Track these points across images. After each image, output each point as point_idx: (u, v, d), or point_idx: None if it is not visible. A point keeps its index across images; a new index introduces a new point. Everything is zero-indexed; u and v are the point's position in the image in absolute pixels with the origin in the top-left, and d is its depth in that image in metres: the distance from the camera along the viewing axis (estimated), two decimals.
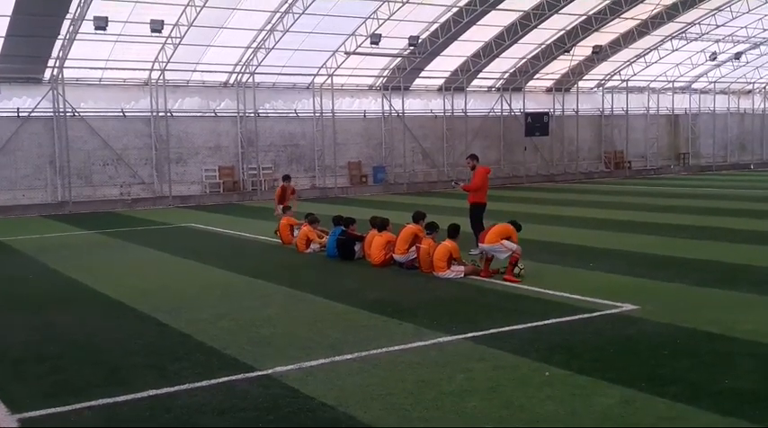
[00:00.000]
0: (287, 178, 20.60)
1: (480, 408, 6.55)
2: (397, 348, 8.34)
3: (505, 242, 12.29)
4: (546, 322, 9.35)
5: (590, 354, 7.97)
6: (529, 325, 9.24)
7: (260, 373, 7.58)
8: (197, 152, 31.79)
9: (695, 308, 10.02)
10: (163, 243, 18.55)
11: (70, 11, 24.92)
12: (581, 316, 9.68)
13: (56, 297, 11.98)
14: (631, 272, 12.62)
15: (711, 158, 47.84)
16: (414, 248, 13.62)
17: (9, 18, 24.68)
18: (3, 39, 25.76)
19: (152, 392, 7.08)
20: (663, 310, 9.87)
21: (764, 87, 50.12)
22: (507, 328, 9.07)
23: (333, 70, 33.33)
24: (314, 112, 34.26)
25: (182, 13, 26.80)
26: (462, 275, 12.51)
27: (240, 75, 32.14)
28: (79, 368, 8.02)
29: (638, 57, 40.45)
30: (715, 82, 47.05)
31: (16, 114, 28.17)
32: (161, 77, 30.16)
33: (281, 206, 18.97)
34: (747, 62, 44.11)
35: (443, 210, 23.35)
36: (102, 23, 24.59)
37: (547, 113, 39.83)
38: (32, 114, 28.27)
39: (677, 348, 8.17)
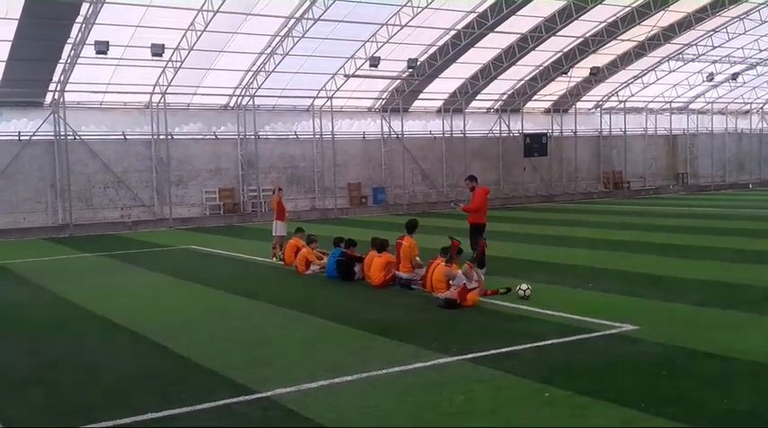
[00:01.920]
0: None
1: None
2: (397, 369, 8.33)
3: (453, 289, 12.21)
4: (545, 342, 9.34)
5: (589, 375, 7.96)
6: (528, 345, 9.24)
7: (259, 395, 7.57)
8: (197, 174, 31.88)
9: (694, 328, 10.02)
10: (163, 265, 18.55)
11: (71, 35, 25.13)
12: (580, 336, 9.68)
13: (56, 320, 11.97)
14: (630, 292, 12.62)
15: (710, 178, 47.96)
16: (417, 267, 13.70)
17: (11, 43, 24.88)
18: (4, 63, 25.94)
19: (152, 415, 7.07)
20: (662, 330, 9.87)
21: (762, 107, 50.36)
22: (507, 349, 9.07)
23: (332, 92, 33.52)
24: (314, 134, 34.40)
25: (182, 38, 27.01)
26: None
27: (240, 98, 32.32)
28: (79, 391, 8.01)
29: (636, 78, 40.68)
30: (712, 102, 47.29)
31: (17, 138, 28.29)
32: (162, 101, 30.32)
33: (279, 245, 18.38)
34: (744, 83, 44.37)
35: (443, 231, 23.34)
36: (103, 48, 24.77)
37: (545, 134, 39.98)
38: (33, 138, 28.39)
39: (676, 368, 8.17)
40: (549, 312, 11.16)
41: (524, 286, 12.29)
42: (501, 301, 12.07)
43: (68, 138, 28.79)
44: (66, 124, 28.59)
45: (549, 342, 9.37)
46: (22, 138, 28.32)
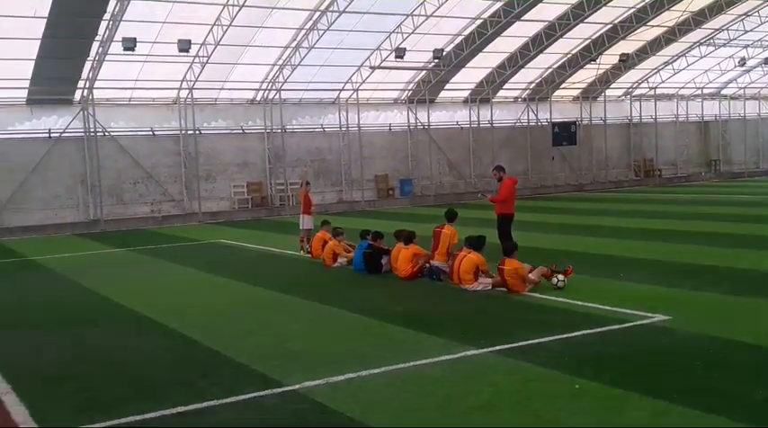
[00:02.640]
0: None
1: (509, 422, 6.48)
2: (425, 362, 8.29)
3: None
4: (575, 334, 9.24)
5: (621, 366, 7.85)
6: (558, 337, 9.14)
7: (288, 388, 7.58)
8: (225, 169, 32.06)
9: (728, 318, 9.84)
10: (192, 259, 18.67)
11: (99, 33, 25.37)
12: (611, 327, 9.55)
13: (87, 314, 12.11)
14: (663, 282, 12.43)
15: (743, 165, 47.09)
16: (452, 257, 13.59)
17: (39, 41, 25.18)
18: (34, 61, 26.27)
19: (181, 409, 7.11)
20: (695, 320, 9.71)
21: None
22: (536, 341, 8.98)
23: (358, 85, 33.47)
24: (340, 127, 34.40)
25: (209, 33, 27.13)
26: (490, 287, 12.40)
27: (267, 92, 32.41)
28: (109, 385, 8.08)
29: (666, 64, 40.07)
30: (745, 87, 46.40)
31: (48, 135, 28.67)
32: (189, 96, 30.51)
33: (306, 230, 18.40)
34: None
35: (471, 222, 23.23)
36: (130, 44, 24.97)
37: (574, 123, 39.58)
38: (63, 135, 28.75)
39: (710, 359, 8.02)
40: (580, 303, 11.03)
41: (560, 276, 12.16)
42: (532, 292, 11.96)
43: (98, 134, 29.11)
44: (95, 121, 28.91)
45: (580, 333, 9.26)
46: (52, 135, 28.69)
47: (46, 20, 24.18)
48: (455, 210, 14.63)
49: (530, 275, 12.15)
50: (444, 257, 13.74)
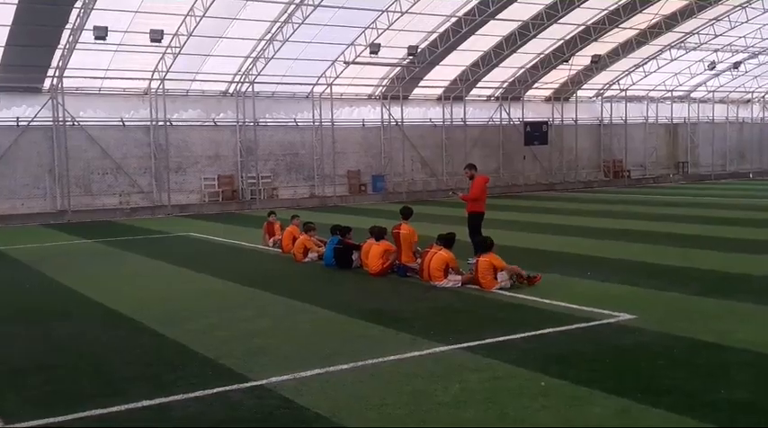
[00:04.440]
0: (269, 214, 19.61)
1: (476, 419, 6.53)
2: (393, 358, 8.32)
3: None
4: (543, 331, 9.33)
5: (586, 364, 7.94)
6: (526, 334, 9.22)
7: (254, 383, 7.56)
8: (196, 161, 31.81)
9: (692, 318, 10.00)
10: (161, 252, 18.55)
11: (70, 21, 24.98)
12: (578, 325, 9.66)
13: (54, 306, 11.95)
14: (628, 281, 12.59)
15: (710, 167, 47.87)
16: (418, 255, 13.70)
17: (9, 28, 24.74)
18: (2, 48, 25.81)
19: (146, 403, 7.06)
20: (660, 320, 9.85)
21: (763, 96, 50.20)
22: (504, 338, 9.05)
23: (332, 80, 33.39)
24: (313, 122, 34.30)
25: (181, 23, 26.87)
26: (460, 284, 12.48)
27: (240, 84, 32.20)
28: (75, 378, 8.00)
29: (637, 66, 40.53)
30: (714, 91, 47.14)
31: (16, 123, 28.19)
32: (161, 87, 30.21)
33: (272, 239, 18.66)
34: (746, 71, 44.20)
35: (442, 219, 23.30)
36: (101, 33, 24.64)
37: (546, 122, 39.89)
38: (32, 123, 28.30)
39: (673, 358, 8.14)
40: (547, 301, 11.14)
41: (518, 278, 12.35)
42: (501, 290, 12.03)
43: (67, 123, 28.70)
44: (64, 110, 28.50)
45: (547, 331, 9.35)
46: (20, 123, 28.22)
47: (15, 6, 23.76)
48: (410, 208, 14.71)
49: (501, 272, 12.19)
50: (411, 258, 13.82)
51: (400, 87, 35.53)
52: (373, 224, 15.55)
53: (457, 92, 37.38)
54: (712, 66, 41.25)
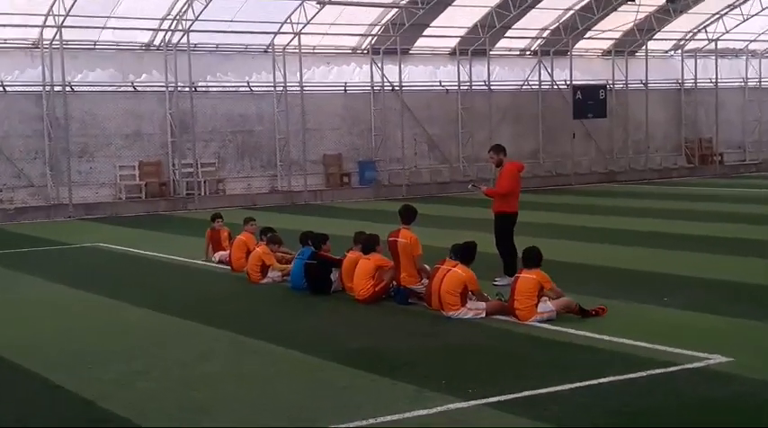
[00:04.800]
0: (213, 218, 19.59)
1: None
2: (389, 419, 8.32)
3: (543, 305, 12.27)
4: (601, 381, 9.32)
5: (662, 426, 7.93)
6: (578, 385, 9.22)
7: None
8: (108, 142, 31.75)
9: None
10: (60, 271, 18.48)
11: None
12: (651, 371, 9.65)
13: None
14: (723, 310, 12.61)
15: None
16: (424, 273, 13.73)
17: None
18: None
19: None
20: (766, 364, 9.87)
21: None
22: (547, 390, 9.05)
23: (301, 27, 33.39)
24: (274, 86, 34.27)
25: None
26: (483, 314, 12.48)
27: (170, 33, 32.16)
28: None
29: (732, 7, 40.63)
30: None
31: None
32: (56, 37, 30.17)
33: (218, 253, 18.76)
34: None
35: (458, 224, 23.32)
36: None
37: (604, 87, 39.96)
38: None
39: None
40: (607, 337, 11.15)
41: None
42: (542, 323, 12.04)
43: None
44: None
45: (607, 380, 9.34)
46: None
47: None
48: (412, 207, 14.68)
49: (545, 302, 12.21)
50: (415, 278, 13.82)
51: (398, 37, 35.55)
52: (360, 230, 15.54)
53: (478, 44, 37.44)
54: None
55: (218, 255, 18.63)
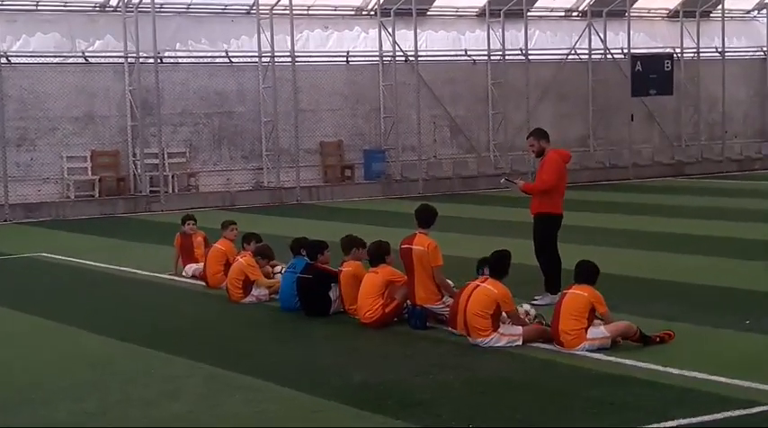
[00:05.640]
0: (184, 220, 19.59)
1: None
2: None
3: (594, 330, 12.27)
4: (667, 425, 9.31)
5: None
6: None
7: None
8: (54, 127, 31.79)
9: None
10: None
11: None
12: (729, 413, 9.63)
13: None
14: None
15: None
16: (446, 290, 13.74)
17: None
18: None
19: None
20: None
21: None
22: None
23: None
24: (259, 56, 34.31)
25: None
26: (520, 341, 12.47)
27: None
28: None
29: None
30: None
31: None
32: None
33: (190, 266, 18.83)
34: None
35: (488, 227, 23.31)
36: None
37: (670, 56, 39.88)
38: None
39: None
40: (674, 370, 11.13)
41: (527, 307, 12.37)
42: (591, 352, 12.05)
43: None
44: None
45: (674, 423, 9.34)
46: None
47: None
48: (431, 207, 14.61)
49: (598, 326, 12.22)
50: (435, 295, 13.79)
51: None
52: (350, 233, 15.60)
53: (512, 2, 37.44)
54: None
55: (190, 269, 18.63)
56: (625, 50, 40.07)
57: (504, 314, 12.64)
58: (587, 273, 12.58)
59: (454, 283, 13.90)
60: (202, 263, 18.03)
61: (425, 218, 14.39)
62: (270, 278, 16.25)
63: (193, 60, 34.14)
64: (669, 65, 39.48)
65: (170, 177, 32.68)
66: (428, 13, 37.24)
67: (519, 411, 9.99)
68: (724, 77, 42.05)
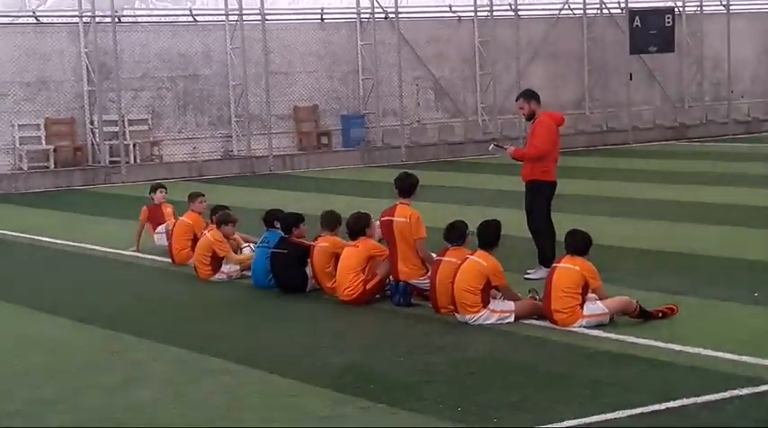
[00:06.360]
0: (155, 188, 19.91)
1: None
2: None
3: (591, 305, 12.30)
4: (671, 404, 9.35)
5: None
6: (640, 410, 9.26)
7: None
8: (3, 93, 31.67)
9: None
10: None
11: None
12: (736, 391, 9.66)
13: None
14: None
15: None
16: (430, 263, 13.73)
17: None
18: None
19: None
20: None
21: None
22: (598, 418, 9.10)
23: None
24: (226, 14, 34.20)
25: None
26: (512, 318, 12.51)
27: None
28: None
29: None
30: None
31: None
32: None
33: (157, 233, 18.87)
34: None
35: (476, 197, 23.34)
36: None
37: (671, 10, 39.87)
38: None
39: None
40: (677, 347, 11.19)
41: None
42: (589, 328, 12.11)
43: None
44: None
45: (677, 403, 9.37)
46: None
47: None
48: (412, 176, 14.61)
49: (594, 301, 12.25)
50: (419, 269, 13.83)
51: None
52: (331, 208, 15.62)
53: None
54: None
55: (161, 232, 18.52)
56: (622, 5, 40.01)
57: (494, 288, 12.64)
58: (579, 243, 12.59)
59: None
60: (172, 222, 18.06)
61: (406, 187, 14.39)
62: (241, 255, 16.25)
63: (155, 19, 34.03)
64: (670, 20, 39.47)
65: (131, 146, 32.58)
66: None
67: (511, 393, 10.01)
68: (729, 33, 41.97)
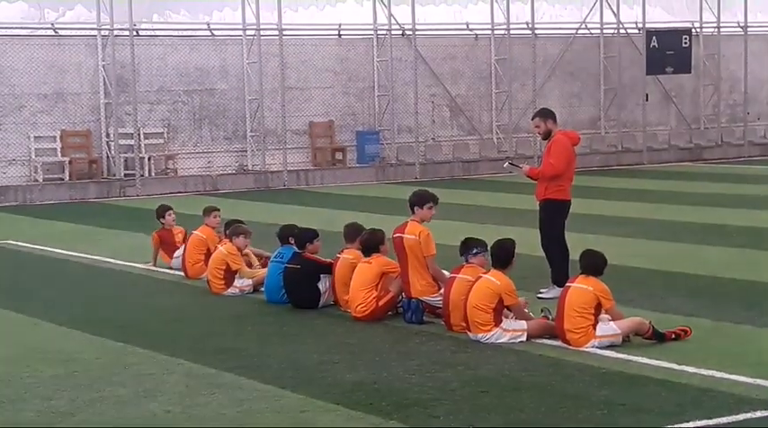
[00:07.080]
0: (164, 211, 19.33)
1: None
2: None
3: (604, 326, 12.28)
4: (684, 426, 9.33)
5: None
6: None
7: None
8: (20, 105, 31.75)
9: None
10: None
11: None
12: (750, 415, 9.65)
13: None
14: None
15: None
16: (442, 281, 13.72)
17: None
18: None
19: None
20: None
21: None
22: None
23: None
24: (243, 29, 34.26)
25: None
26: (524, 337, 12.50)
27: None
28: None
29: None
30: None
31: None
32: None
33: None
34: None
35: (490, 215, 23.31)
36: None
37: (688, 31, 39.83)
38: None
39: None
40: (690, 369, 11.17)
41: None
42: (602, 349, 12.09)
43: None
44: None
45: (690, 425, 9.36)
46: None
47: None
48: (427, 192, 14.58)
49: (607, 322, 12.24)
50: (432, 287, 13.83)
51: None
52: (352, 221, 15.65)
53: None
54: None
55: (177, 258, 18.41)
56: (640, 25, 40.04)
57: (506, 308, 12.63)
58: (593, 264, 12.58)
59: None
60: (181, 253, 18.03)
61: (420, 204, 14.40)
62: (254, 270, 16.24)
63: (172, 33, 34.08)
64: (687, 40, 39.45)
65: (146, 159, 32.64)
66: None
67: (523, 412, 10.01)
68: (746, 54, 42.05)
